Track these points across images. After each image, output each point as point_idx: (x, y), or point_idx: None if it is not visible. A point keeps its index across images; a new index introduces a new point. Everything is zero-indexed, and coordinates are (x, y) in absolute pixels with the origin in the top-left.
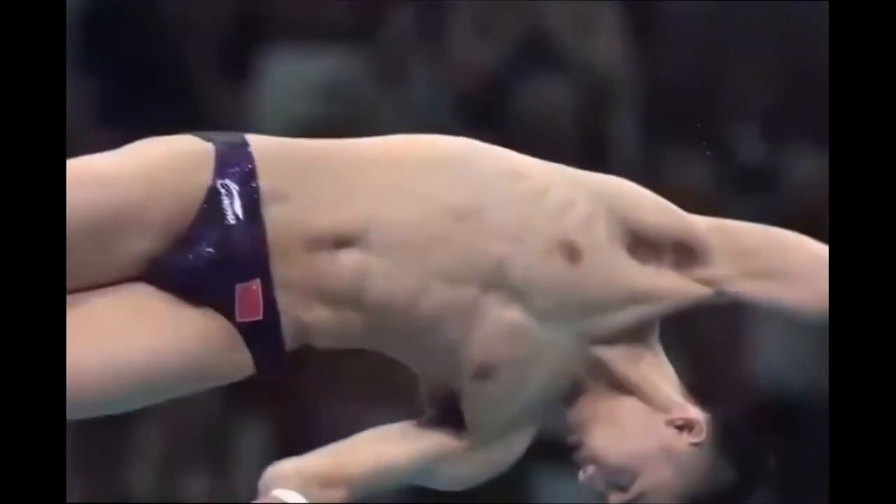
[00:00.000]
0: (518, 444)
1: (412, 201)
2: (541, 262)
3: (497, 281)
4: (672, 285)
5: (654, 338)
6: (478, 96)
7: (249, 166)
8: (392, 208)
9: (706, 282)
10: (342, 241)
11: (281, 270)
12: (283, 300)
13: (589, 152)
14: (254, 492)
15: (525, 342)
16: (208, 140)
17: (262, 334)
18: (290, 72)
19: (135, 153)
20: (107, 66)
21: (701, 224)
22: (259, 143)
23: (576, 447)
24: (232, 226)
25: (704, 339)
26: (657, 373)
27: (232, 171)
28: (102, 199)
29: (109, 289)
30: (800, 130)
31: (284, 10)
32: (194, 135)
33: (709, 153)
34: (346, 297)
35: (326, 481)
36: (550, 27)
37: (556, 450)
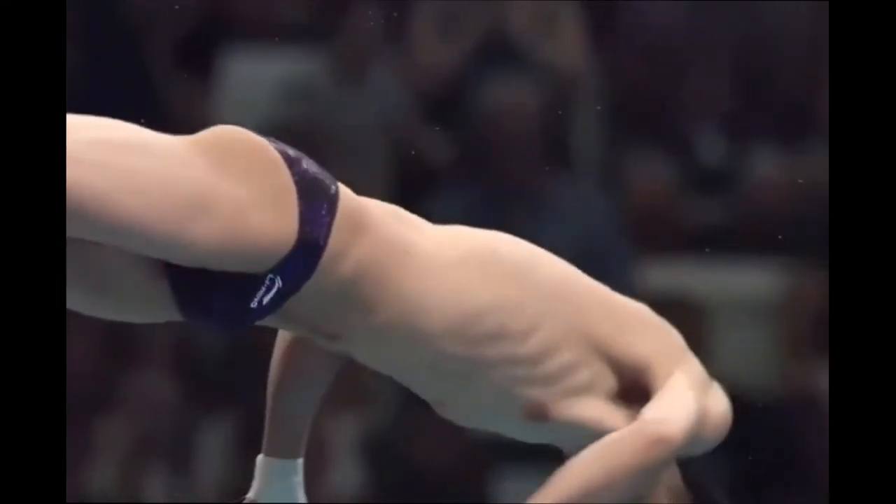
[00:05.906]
0: None
1: (416, 344)
2: (504, 418)
3: (456, 418)
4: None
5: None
6: (439, 95)
7: (308, 273)
8: (395, 345)
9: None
10: (336, 337)
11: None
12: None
13: (551, 151)
14: (216, 490)
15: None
16: (302, 218)
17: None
18: (251, 71)
19: (244, 208)
20: (68, 63)
21: (667, 372)
22: (338, 246)
23: None
24: (251, 309)
25: None
26: None
27: (291, 271)
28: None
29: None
30: (760, 130)
31: (246, 10)
32: (299, 190)
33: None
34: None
35: None
36: (512, 27)
37: (521, 451)
